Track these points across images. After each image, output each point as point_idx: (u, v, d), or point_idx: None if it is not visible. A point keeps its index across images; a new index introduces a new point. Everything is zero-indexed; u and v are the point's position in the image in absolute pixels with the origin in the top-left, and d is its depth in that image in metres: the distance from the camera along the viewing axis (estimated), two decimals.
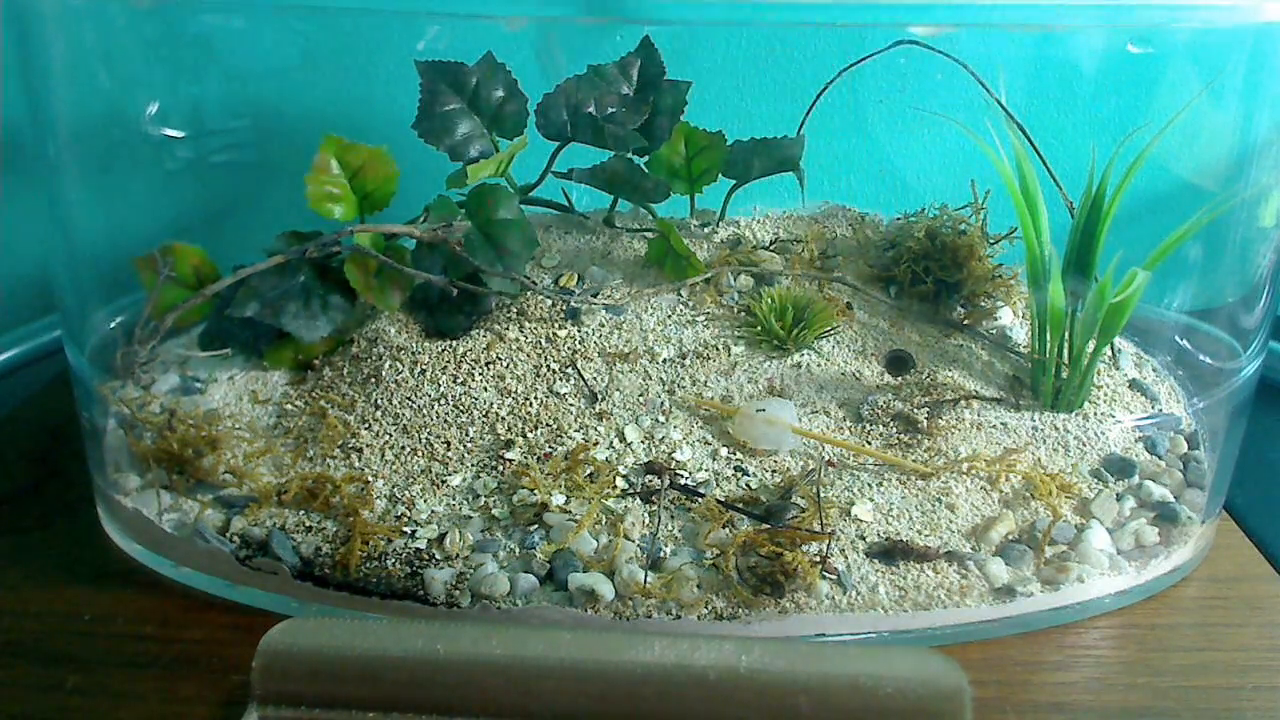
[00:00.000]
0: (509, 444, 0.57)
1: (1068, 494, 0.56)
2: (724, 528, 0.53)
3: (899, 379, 0.62)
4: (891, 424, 0.59)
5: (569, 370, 0.60)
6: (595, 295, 0.64)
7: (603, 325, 0.63)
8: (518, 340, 0.62)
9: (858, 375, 0.61)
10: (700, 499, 0.54)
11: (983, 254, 0.66)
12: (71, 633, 0.52)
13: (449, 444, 0.57)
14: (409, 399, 0.59)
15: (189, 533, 0.54)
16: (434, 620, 0.50)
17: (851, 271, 0.68)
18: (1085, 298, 0.59)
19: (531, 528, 0.53)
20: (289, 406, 0.61)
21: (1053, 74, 0.70)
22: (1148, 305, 0.63)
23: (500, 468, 0.56)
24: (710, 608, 0.50)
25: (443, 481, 0.56)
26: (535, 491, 0.54)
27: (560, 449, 0.56)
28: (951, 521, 0.54)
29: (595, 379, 0.60)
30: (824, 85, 0.69)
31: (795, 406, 0.59)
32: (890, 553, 0.52)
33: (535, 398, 0.59)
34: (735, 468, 0.56)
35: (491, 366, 0.60)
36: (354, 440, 0.58)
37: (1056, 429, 0.59)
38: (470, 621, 0.50)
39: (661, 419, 0.58)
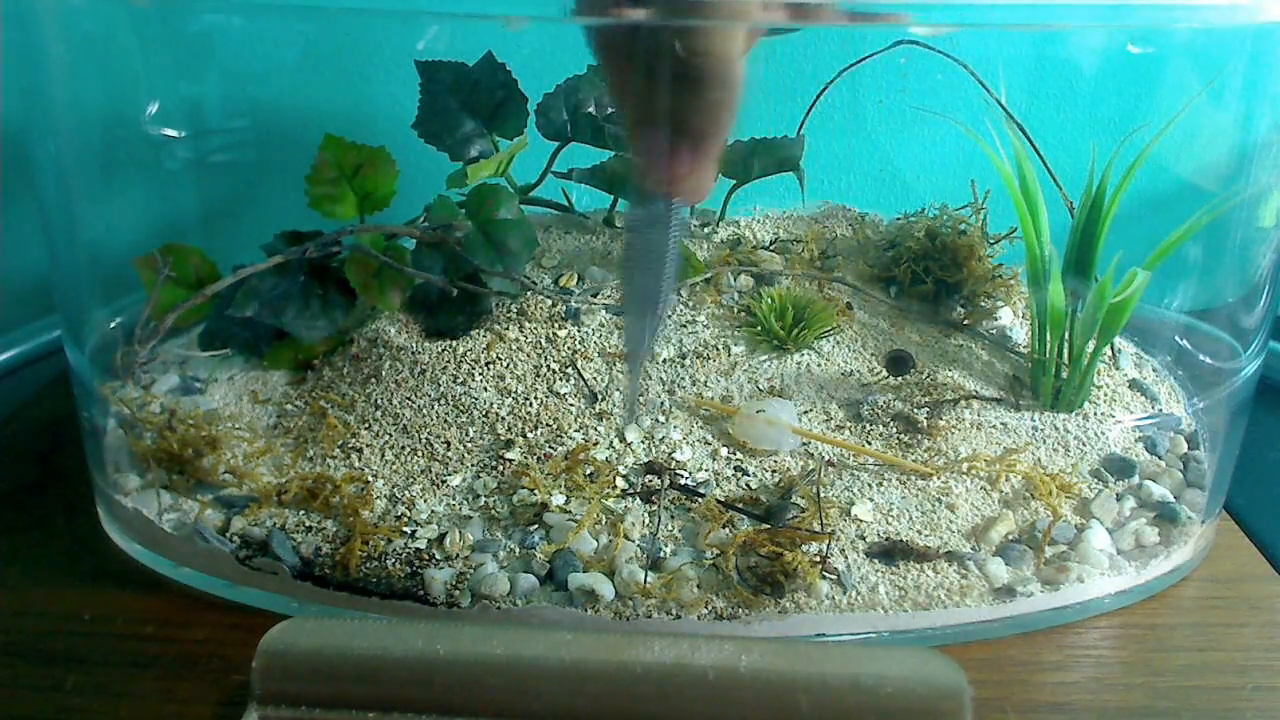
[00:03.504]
0: (509, 444, 0.57)
1: (1068, 494, 0.56)
2: (724, 528, 0.53)
3: (899, 379, 0.62)
4: (891, 424, 0.59)
5: (569, 370, 0.60)
6: (595, 295, 0.64)
7: (603, 325, 0.63)
8: (518, 340, 0.62)
9: (858, 375, 0.61)
10: (700, 499, 0.54)
11: (983, 254, 0.66)
12: (71, 633, 0.52)
13: (449, 444, 0.57)
14: (409, 399, 0.59)
15: (189, 533, 0.54)
16: (434, 620, 0.50)
17: (851, 271, 0.68)
18: (1085, 298, 0.59)
19: (531, 528, 0.53)
20: (289, 406, 0.61)
21: (1053, 74, 0.70)
22: (1148, 305, 0.63)
23: (500, 468, 0.56)
24: (710, 608, 0.50)
25: (443, 481, 0.56)
26: (535, 491, 0.54)
27: (560, 449, 0.56)
28: (951, 521, 0.54)
29: (595, 379, 0.60)
30: (824, 85, 0.69)
31: (795, 406, 0.59)
32: (890, 553, 0.52)
33: (535, 398, 0.59)
34: (735, 468, 0.56)
35: (491, 366, 0.60)
36: (354, 440, 0.58)
37: (1056, 429, 0.59)
38: (470, 621, 0.50)
39: (661, 419, 0.58)
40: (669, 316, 0.60)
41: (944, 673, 0.42)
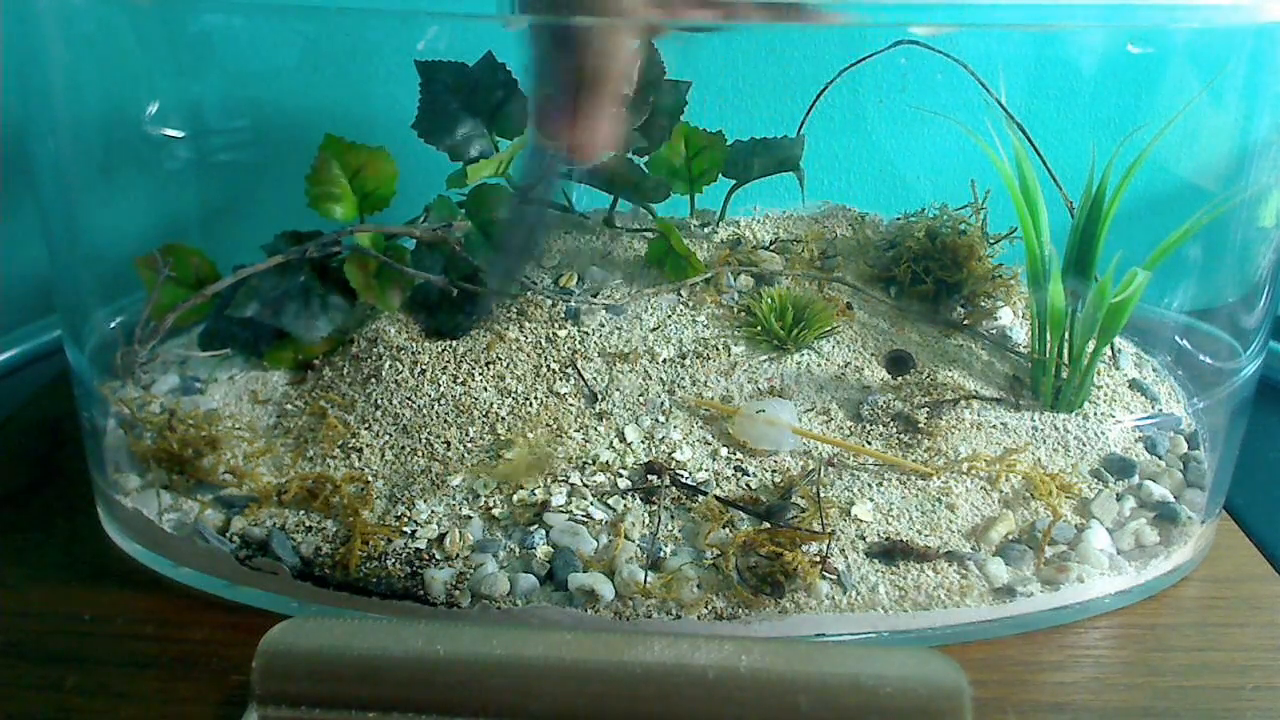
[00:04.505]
0: (509, 444, 0.57)
1: (1068, 494, 0.56)
2: (724, 528, 0.53)
3: (899, 379, 0.62)
4: (891, 424, 0.58)
5: (569, 370, 0.60)
6: (595, 295, 0.64)
7: (603, 325, 0.63)
8: (518, 340, 0.62)
9: (858, 375, 0.61)
10: (701, 498, 0.54)
11: (983, 254, 0.66)
12: (71, 633, 0.52)
13: (449, 444, 0.57)
14: (409, 399, 0.59)
15: (189, 533, 0.54)
16: (434, 620, 0.50)
17: (851, 271, 0.68)
18: (1085, 298, 0.59)
19: (531, 528, 0.53)
20: (289, 406, 0.61)
21: (1053, 74, 0.70)
22: (1148, 305, 0.63)
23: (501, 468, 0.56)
24: (710, 608, 0.50)
25: (443, 481, 0.56)
26: (535, 491, 0.54)
27: (560, 449, 0.56)
28: (951, 521, 0.54)
29: (595, 379, 0.60)
30: (824, 85, 0.69)
31: (795, 406, 0.59)
32: (890, 553, 0.52)
33: (535, 398, 0.59)
34: (735, 468, 0.56)
35: (491, 366, 0.60)
36: (354, 440, 0.58)
37: (1056, 429, 0.59)
38: (470, 621, 0.50)
39: (661, 419, 0.58)
40: (537, 257, 0.66)
41: (944, 673, 0.42)
